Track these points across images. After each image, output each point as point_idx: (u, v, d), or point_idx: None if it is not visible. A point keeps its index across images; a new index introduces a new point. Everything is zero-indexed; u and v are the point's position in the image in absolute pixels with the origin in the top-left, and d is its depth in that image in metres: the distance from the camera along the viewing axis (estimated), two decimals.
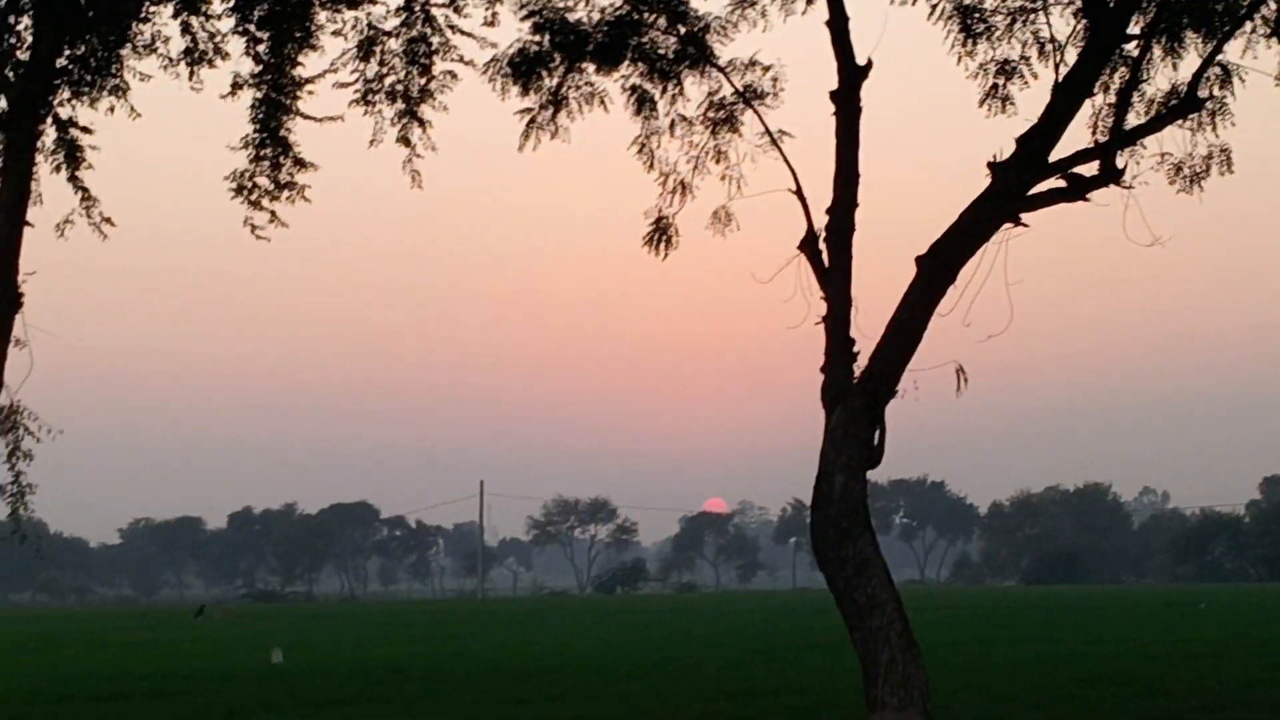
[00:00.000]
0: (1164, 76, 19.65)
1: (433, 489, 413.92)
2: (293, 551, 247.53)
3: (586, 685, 32.02)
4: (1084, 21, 19.18)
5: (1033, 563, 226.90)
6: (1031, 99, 19.48)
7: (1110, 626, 55.40)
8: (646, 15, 20.11)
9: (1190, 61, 19.49)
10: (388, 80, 21.75)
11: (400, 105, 21.81)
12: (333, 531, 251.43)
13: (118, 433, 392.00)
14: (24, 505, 25.11)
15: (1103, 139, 19.33)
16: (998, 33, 19.55)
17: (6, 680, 37.97)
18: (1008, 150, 18.87)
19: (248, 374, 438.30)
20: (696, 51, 20.15)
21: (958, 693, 26.61)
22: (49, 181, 24.21)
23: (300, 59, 22.16)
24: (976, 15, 19.50)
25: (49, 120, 22.69)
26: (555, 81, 20.37)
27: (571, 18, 20.04)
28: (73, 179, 23.83)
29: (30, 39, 22.17)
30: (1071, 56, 19.20)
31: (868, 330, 19.13)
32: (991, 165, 18.81)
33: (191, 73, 22.30)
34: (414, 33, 21.75)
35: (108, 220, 24.65)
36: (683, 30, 20.12)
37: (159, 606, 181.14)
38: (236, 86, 22.11)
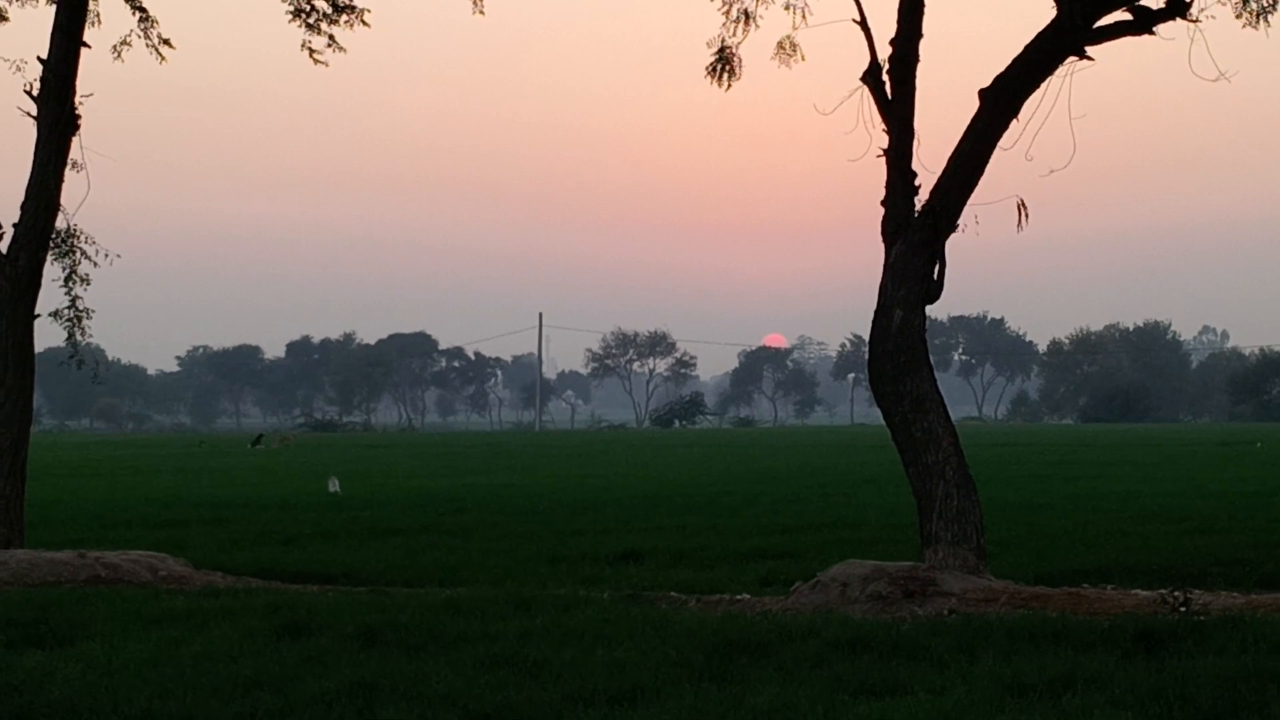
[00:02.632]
0: None
1: (492, 320, 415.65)
2: (351, 381, 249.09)
3: (642, 518, 32.09)
4: None
5: (1090, 401, 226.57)
6: None
7: (1166, 464, 55.23)
8: None
9: None
10: None
11: None
12: (391, 362, 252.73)
13: (177, 260, 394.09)
14: (81, 330, 25.18)
15: None
16: None
17: (64, 505, 38.33)
18: None
19: (308, 202, 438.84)
20: None
21: (1012, 528, 26.55)
22: (107, 2, 24.01)
23: None
24: None
25: None
26: None
27: None
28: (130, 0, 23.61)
29: None
30: None
31: (929, 164, 18.89)
32: None
33: None
34: None
35: (166, 42, 24.48)
36: None
37: (217, 434, 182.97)
38: None
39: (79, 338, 25.17)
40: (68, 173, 23.70)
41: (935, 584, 16.49)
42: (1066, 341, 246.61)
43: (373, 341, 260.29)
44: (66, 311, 24.90)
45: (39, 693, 12.14)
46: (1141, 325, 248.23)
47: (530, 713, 11.18)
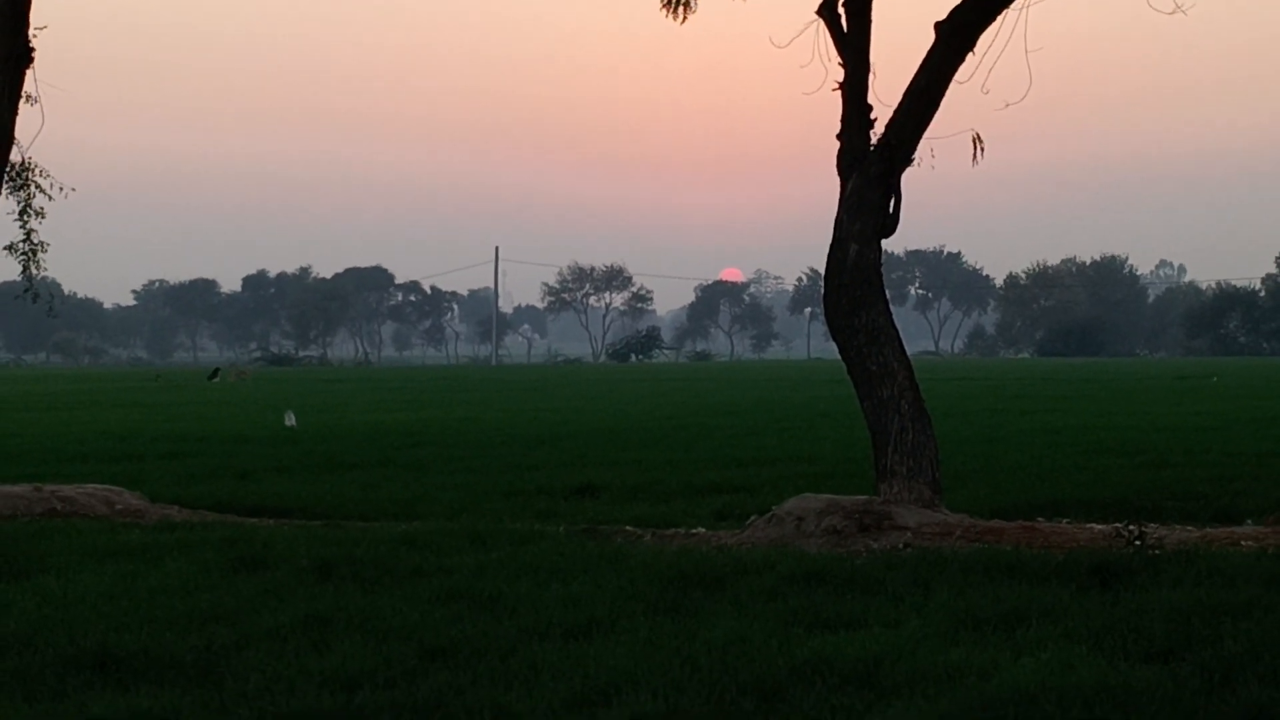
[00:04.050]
0: None
1: (449, 254, 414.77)
2: (307, 315, 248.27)
3: (599, 451, 32.13)
4: None
5: (1047, 335, 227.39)
6: None
7: (1122, 399, 55.52)
8: None
9: None
10: None
11: None
12: (347, 295, 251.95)
13: (133, 194, 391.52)
14: (36, 263, 25.04)
15: None
16: None
17: (20, 439, 38.20)
18: None
19: (265, 137, 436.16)
20: None
21: (968, 462, 26.67)
22: None
23: None
24: None
25: None
26: None
27: None
28: None
29: None
30: None
31: (885, 97, 18.87)
32: None
33: None
34: None
35: None
36: None
37: (173, 368, 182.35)
38: None
39: (34, 271, 25.04)
40: (22, 106, 23.49)
41: (890, 518, 16.56)
42: (1023, 276, 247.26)
43: (329, 275, 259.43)
44: (21, 245, 24.76)
45: None
46: (1098, 259, 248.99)
47: (485, 646, 11.20)
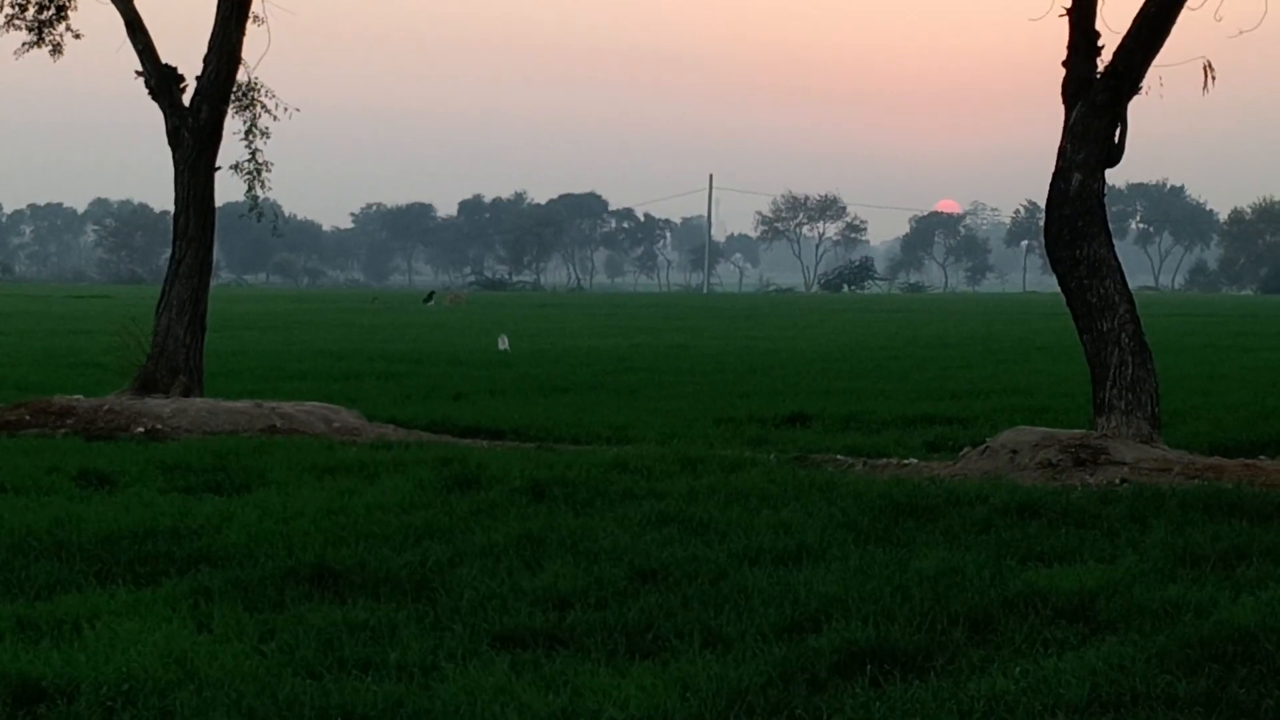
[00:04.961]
0: None
1: (662, 182, 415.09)
2: (521, 241, 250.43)
3: (811, 380, 32.04)
4: None
5: (1272, 272, 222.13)
6: None
7: None
8: None
9: None
10: None
11: None
12: (561, 222, 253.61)
13: (351, 116, 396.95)
14: (261, 183, 25.50)
15: None
16: None
17: (243, 357, 39.02)
18: None
19: (482, 63, 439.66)
20: None
21: (1188, 399, 26.14)
22: None
23: None
24: None
25: None
26: None
27: None
28: None
29: None
30: None
31: (1113, 24, 18.43)
32: None
33: None
34: None
35: None
36: None
37: (389, 291, 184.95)
38: None
39: (258, 191, 25.48)
40: (249, 26, 23.89)
41: (1107, 452, 16.29)
42: (1249, 210, 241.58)
43: (543, 201, 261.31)
44: (247, 164, 25.20)
45: (216, 536, 12.39)
46: None
47: (696, 570, 11.21)
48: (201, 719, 7.86)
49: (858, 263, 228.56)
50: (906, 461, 18.22)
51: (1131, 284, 18.74)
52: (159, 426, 20.60)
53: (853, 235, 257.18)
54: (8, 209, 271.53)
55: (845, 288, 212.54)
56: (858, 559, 11.56)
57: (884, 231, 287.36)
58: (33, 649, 9.03)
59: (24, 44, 24.30)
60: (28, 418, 21.13)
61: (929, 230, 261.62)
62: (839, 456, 18.53)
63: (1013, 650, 9.26)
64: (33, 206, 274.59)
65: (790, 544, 12.05)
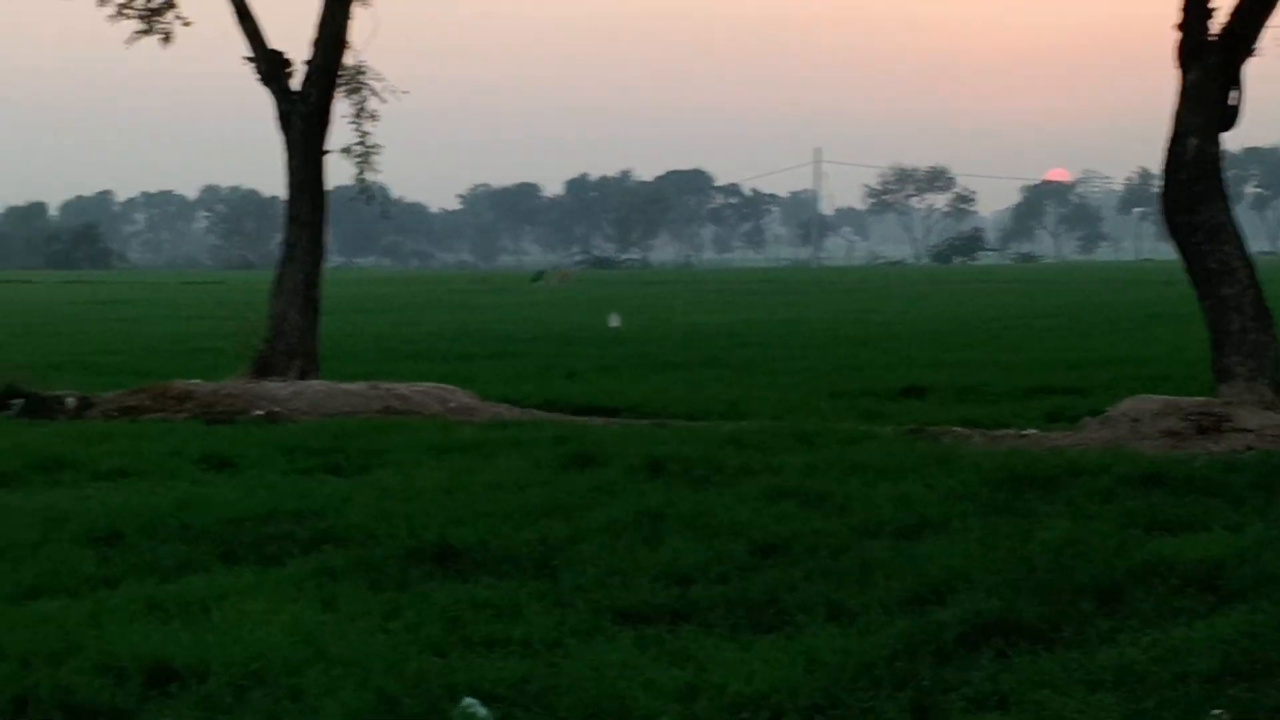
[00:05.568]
0: None
1: (768, 157, 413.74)
2: (628, 218, 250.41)
3: (924, 353, 31.87)
4: None
5: None
6: None
7: None
8: None
9: None
10: None
11: None
12: (668, 199, 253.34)
13: (457, 98, 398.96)
14: (370, 166, 25.64)
15: None
16: None
17: (357, 339, 39.29)
18: None
19: (585, 38, 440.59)
20: None
21: None
22: None
23: None
24: None
25: None
26: None
27: None
28: None
29: None
30: None
31: None
32: None
33: None
34: None
35: None
36: None
37: (498, 271, 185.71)
38: None
39: (368, 174, 25.63)
40: (356, 10, 24.00)
41: (1230, 420, 16.11)
42: None
43: (650, 178, 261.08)
44: (357, 148, 25.34)
45: (338, 517, 12.48)
46: None
47: (816, 543, 11.18)
48: (331, 697, 7.91)
49: (968, 233, 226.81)
50: (1026, 432, 18.09)
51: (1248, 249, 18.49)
52: (277, 409, 20.78)
53: (962, 206, 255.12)
54: (121, 197, 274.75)
55: (955, 259, 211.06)
56: (980, 531, 11.49)
57: (994, 202, 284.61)
58: (163, 629, 9.13)
59: (135, 33, 24.52)
60: (148, 402, 21.39)
61: (1040, 200, 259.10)
62: (956, 429, 18.43)
63: (1141, 620, 9.17)
64: (145, 194, 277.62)
65: (911, 516, 12.00)
